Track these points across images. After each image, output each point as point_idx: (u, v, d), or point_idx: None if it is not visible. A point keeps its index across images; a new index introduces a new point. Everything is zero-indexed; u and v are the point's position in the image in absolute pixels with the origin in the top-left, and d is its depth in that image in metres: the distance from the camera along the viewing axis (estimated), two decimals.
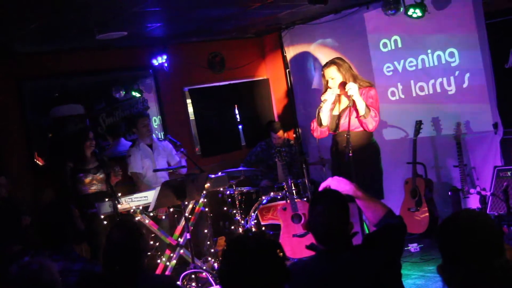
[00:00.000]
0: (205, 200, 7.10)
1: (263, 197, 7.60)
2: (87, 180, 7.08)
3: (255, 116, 9.92)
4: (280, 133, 8.55)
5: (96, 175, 7.12)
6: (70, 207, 4.15)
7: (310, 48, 9.15)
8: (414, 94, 7.85)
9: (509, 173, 6.94)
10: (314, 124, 6.22)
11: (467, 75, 7.24)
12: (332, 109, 6.15)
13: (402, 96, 8.00)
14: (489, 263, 2.36)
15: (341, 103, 6.12)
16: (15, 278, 2.97)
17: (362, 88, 5.98)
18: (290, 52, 9.52)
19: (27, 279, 2.93)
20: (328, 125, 6.14)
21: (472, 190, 6.95)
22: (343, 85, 5.98)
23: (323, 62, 6.36)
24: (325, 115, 6.11)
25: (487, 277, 2.35)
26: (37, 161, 7.86)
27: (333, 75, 6.06)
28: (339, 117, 6.07)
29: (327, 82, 6.11)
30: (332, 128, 6.14)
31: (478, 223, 2.47)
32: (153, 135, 8.00)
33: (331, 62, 6.15)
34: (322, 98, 6.08)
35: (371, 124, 5.89)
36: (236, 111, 9.86)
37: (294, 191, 7.31)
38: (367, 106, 5.82)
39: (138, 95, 8.85)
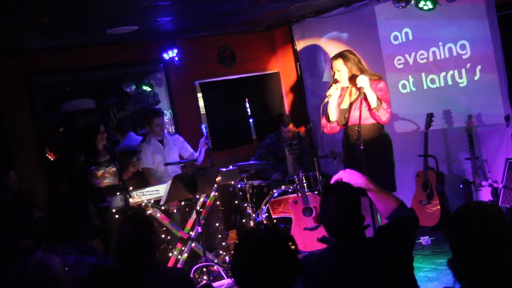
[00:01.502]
0: (216, 193, 7.12)
1: (274, 191, 7.60)
2: (99, 173, 7.07)
3: (266, 110, 9.90)
4: (290, 126, 8.52)
5: (108, 168, 7.11)
6: (86, 201, 4.17)
7: (320, 42, 9.13)
8: (425, 87, 7.83)
9: None
10: (324, 121, 6.23)
11: (479, 67, 7.20)
12: (340, 103, 6.14)
13: (413, 89, 7.97)
14: (499, 258, 2.35)
15: (351, 96, 6.11)
16: (15, 278, 2.98)
17: (371, 81, 5.97)
18: (301, 46, 9.50)
19: (26, 278, 2.93)
20: (337, 120, 6.14)
21: (484, 183, 6.94)
22: (353, 78, 5.97)
23: (333, 55, 6.35)
24: (333, 110, 6.11)
25: (498, 273, 2.33)
26: (48, 156, 7.88)
27: (340, 68, 6.07)
28: (348, 110, 6.06)
29: (334, 74, 6.11)
30: (341, 122, 6.13)
31: (486, 217, 2.44)
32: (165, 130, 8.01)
33: (339, 55, 6.16)
34: (327, 93, 6.08)
35: (384, 116, 5.87)
36: (247, 105, 9.86)
37: (305, 184, 7.31)
38: (378, 98, 5.81)
39: (149, 89, 8.88)
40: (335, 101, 6.10)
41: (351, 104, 6.05)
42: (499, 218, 2.45)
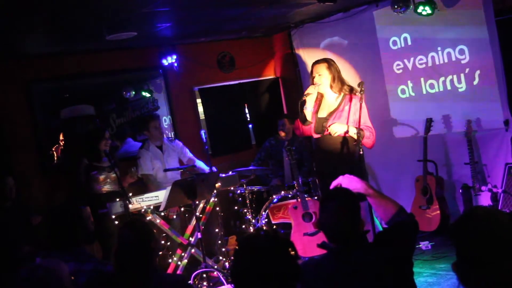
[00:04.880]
0: (216, 199, 7.11)
1: (274, 196, 7.58)
2: (101, 178, 7.06)
3: (265, 115, 9.91)
4: (285, 120, 8.51)
5: (109, 173, 7.10)
6: (80, 208, 4.16)
7: (319, 47, 9.13)
8: (424, 92, 7.83)
9: None
10: (298, 121, 6.26)
11: (478, 72, 7.21)
12: (317, 111, 6.14)
13: (413, 94, 7.97)
14: (506, 262, 2.34)
15: (328, 106, 6.12)
16: (22, 284, 2.97)
17: (347, 94, 6.00)
18: (300, 51, 9.51)
19: (34, 284, 2.93)
20: (314, 125, 6.13)
21: (483, 188, 6.93)
22: (333, 87, 6.04)
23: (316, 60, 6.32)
24: (309, 112, 6.11)
25: (503, 277, 2.32)
26: (54, 153, 7.85)
27: (322, 72, 6.08)
28: (326, 120, 6.05)
29: (314, 78, 6.11)
30: (318, 131, 6.11)
31: (494, 221, 2.42)
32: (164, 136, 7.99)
33: (324, 60, 6.19)
34: (306, 92, 6.09)
35: (367, 144, 5.93)
36: (246, 110, 9.86)
37: (304, 190, 7.30)
38: (360, 129, 5.74)
39: (148, 95, 8.87)
40: (312, 103, 6.11)
41: (330, 114, 6.05)
42: (506, 223, 2.44)
